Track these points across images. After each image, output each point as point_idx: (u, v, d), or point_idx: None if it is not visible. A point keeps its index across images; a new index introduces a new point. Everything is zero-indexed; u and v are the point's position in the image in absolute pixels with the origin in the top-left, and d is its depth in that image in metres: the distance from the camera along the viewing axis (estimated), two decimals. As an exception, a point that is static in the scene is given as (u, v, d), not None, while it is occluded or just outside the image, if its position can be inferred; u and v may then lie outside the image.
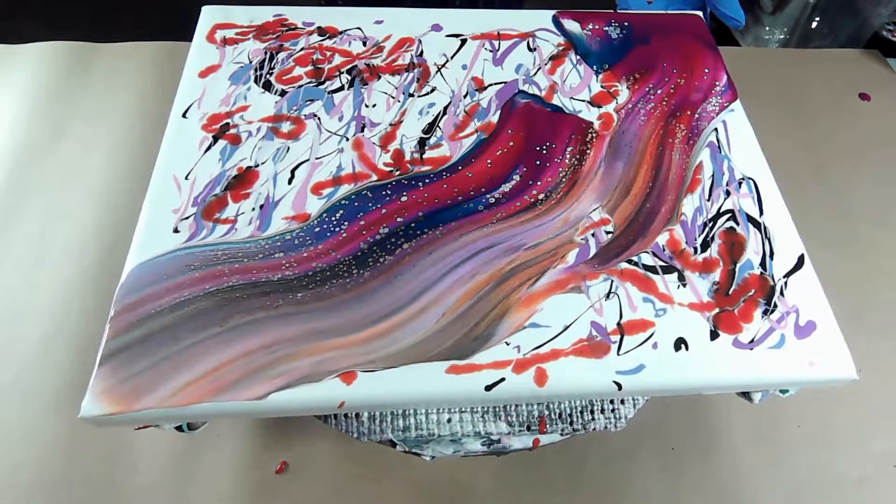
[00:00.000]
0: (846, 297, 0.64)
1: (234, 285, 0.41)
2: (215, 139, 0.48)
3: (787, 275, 0.44)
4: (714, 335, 0.41)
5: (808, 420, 0.57)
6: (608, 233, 0.45)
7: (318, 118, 0.50)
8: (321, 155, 0.48)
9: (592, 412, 0.44)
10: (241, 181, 0.46)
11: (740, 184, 0.48)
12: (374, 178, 0.47)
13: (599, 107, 0.53)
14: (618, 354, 0.40)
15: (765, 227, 0.46)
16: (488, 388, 0.38)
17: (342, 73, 0.54)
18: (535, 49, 0.57)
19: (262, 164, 0.47)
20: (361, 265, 0.42)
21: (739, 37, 0.97)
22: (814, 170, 0.76)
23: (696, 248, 0.44)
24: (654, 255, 0.44)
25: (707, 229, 0.46)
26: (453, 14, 0.59)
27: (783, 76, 0.86)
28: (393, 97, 0.52)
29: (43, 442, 0.53)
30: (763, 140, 0.51)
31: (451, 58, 0.56)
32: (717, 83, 0.55)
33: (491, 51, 0.56)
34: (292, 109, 0.51)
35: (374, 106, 0.51)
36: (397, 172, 0.47)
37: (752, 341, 0.41)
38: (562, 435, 0.44)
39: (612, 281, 0.42)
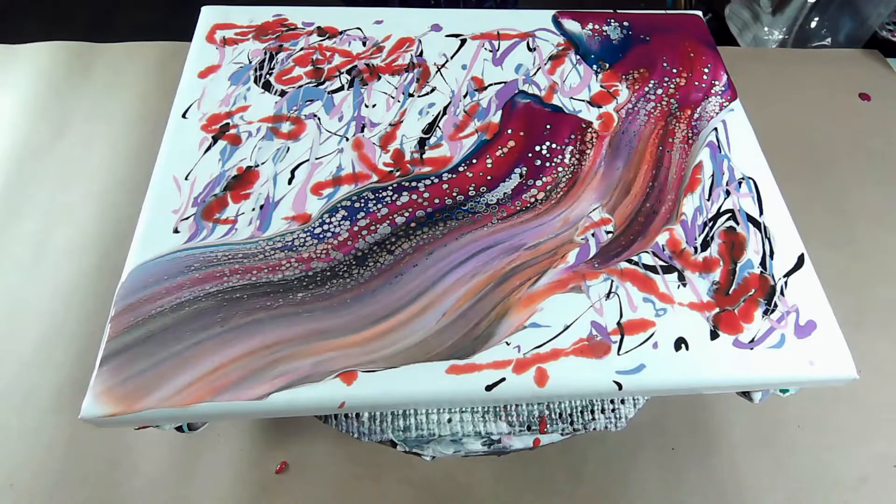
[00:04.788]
0: (846, 297, 0.64)
1: (235, 286, 0.41)
2: (215, 139, 0.48)
3: (787, 274, 0.44)
4: (714, 335, 0.41)
5: (808, 420, 0.57)
6: (608, 232, 0.45)
7: (318, 118, 0.50)
8: (321, 155, 0.48)
9: (593, 412, 0.44)
10: (241, 181, 0.46)
11: (740, 183, 0.48)
12: (375, 178, 0.47)
13: (599, 107, 0.53)
14: (618, 354, 0.40)
15: (765, 227, 0.46)
16: (489, 387, 0.38)
17: (342, 73, 0.54)
18: (534, 49, 0.57)
19: (262, 164, 0.47)
20: (361, 265, 0.42)
21: (739, 37, 0.97)
22: (814, 170, 0.76)
23: (696, 248, 0.44)
24: (654, 254, 0.44)
25: (707, 229, 0.46)
26: (453, 14, 0.59)
27: (783, 76, 0.86)
28: (393, 97, 0.52)
29: (43, 442, 0.53)
30: (763, 140, 0.51)
31: (451, 58, 0.56)
32: (716, 83, 0.55)
33: (491, 51, 0.56)
34: (292, 109, 0.51)
35: (374, 106, 0.51)
36: (397, 173, 0.47)
37: (752, 341, 0.41)
38: (562, 435, 0.44)
39: (613, 281, 0.42)
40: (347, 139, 0.49)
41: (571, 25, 0.59)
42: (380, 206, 0.45)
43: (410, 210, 0.45)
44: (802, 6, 0.92)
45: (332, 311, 0.40)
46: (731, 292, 0.43)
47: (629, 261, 0.43)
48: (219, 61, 0.54)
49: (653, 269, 0.43)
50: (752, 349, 0.40)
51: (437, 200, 0.46)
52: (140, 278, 0.41)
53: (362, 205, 0.45)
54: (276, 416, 0.39)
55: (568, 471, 0.54)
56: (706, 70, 0.56)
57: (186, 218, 0.44)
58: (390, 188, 0.46)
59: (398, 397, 0.38)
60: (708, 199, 0.47)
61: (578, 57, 0.56)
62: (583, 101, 0.53)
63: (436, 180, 0.47)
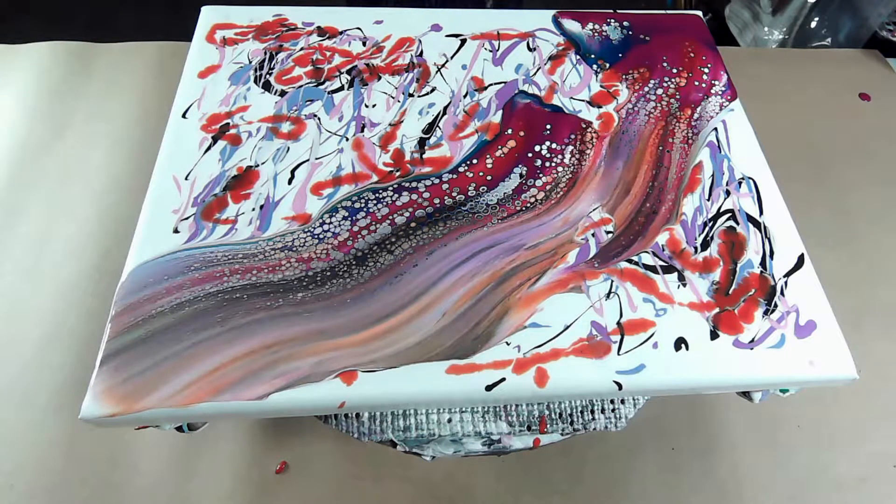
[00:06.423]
0: (846, 297, 0.64)
1: (235, 286, 0.41)
2: (215, 139, 0.48)
3: (788, 274, 0.44)
4: (714, 335, 0.41)
5: (808, 420, 0.57)
6: (608, 232, 0.45)
7: (318, 118, 0.50)
8: (321, 155, 0.48)
9: (592, 412, 0.44)
10: (241, 181, 0.46)
11: (740, 183, 0.48)
12: (374, 178, 0.47)
13: (599, 107, 0.53)
14: (618, 354, 0.40)
15: (765, 227, 0.46)
16: (489, 388, 0.38)
17: (342, 73, 0.54)
18: (534, 49, 0.57)
19: (262, 164, 0.47)
20: (361, 265, 0.42)
21: (739, 37, 0.97)
22: (814, 170, 0.76)
23: (696, 248, 0.44)
24: (654, 254, 0.44)
25: (707, 229, 0.46)
26: (453, 14, 0.59)
27: (783, 76, 0.86)
28: (393, 97, 0.52)
29: (43, 442, 0.53)
30: (763, 140, 0.51)
31: (451, 58, 0.56)
32: (716, 83, 0.55)
33: (491, 51, 0.56)
34: (292, 110, 0.51)
35: (374, 106, 0.51)
36: (397, 173, 0.47)
37: (752, 341, 0.41)
38: (562, 435, 0.44)
39: (613, 281, 0.42)
40: (347, 139, 0.49)
41: (571, 25, 0.59)
42: (380, 206, 0.45)
43: (410, 210, 0.45)
44: (802, 6, 0.92)
45: (332, 311, 0.40)
46: (731, 292, 0.43)
47: (629, 261, 0.44)
48: (219, 61, 0.54)
49: (653, 269, 0.43)
50: (752, 349, 0.40)
51: (437, 200, 0.46)
52: (140, 278, 0.41)
53: (362, 205, 0.45)
54: (276, 416, 0.39)
55: (568, 471, 0.54)
56: (706, 70, 0.56)
57: (186, 218, 0.44)
58: (390, 188, 0.46)
59: (398, 397, 0.38)
60: (708, 199, 0.47)
61: (578, 57, 0.56)
62: (583, 101, 0.53)
63: (436, 180, 0.47)
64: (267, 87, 0.52)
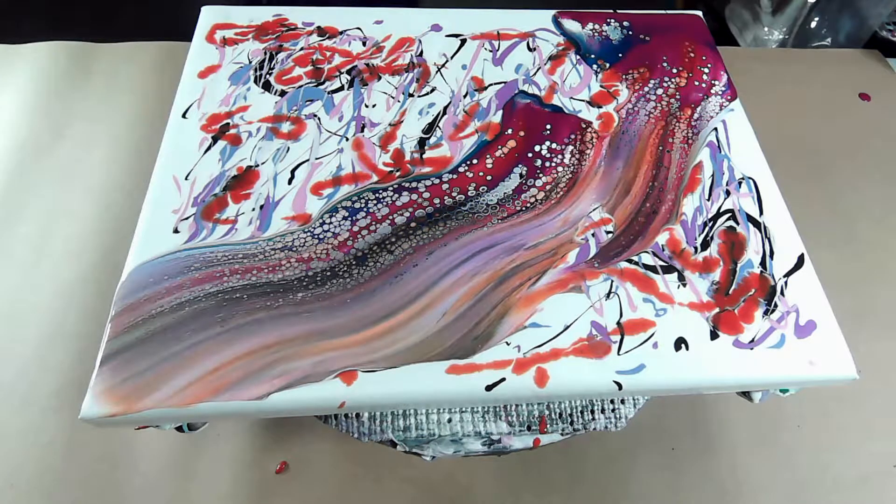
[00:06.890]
0: (846, 297, 0.64)
1: (235, 286, 0.41)
2: (215, 139, 0.48)
3: (788, 274, 0.44)
4: (714, 335, 0.41)
5: (808, 420, 0.57)
6: (608, 232, 0.45)
7: (318, 118, 0.50)
8: (321, 155, 0.48)
9: (592, 412, 0.44)
10: (241, 181, 0.46)
11: (740, 183, 0.48)
12: (374, 178, 0.47)
13: (599, 107, 0.53)
14: (618, 354, 0.40)
15: (765, 227, 0.46)
16: (489, 388, 0.38)
17: (342, 73, 0.54)
18: (534, 49, 0.57)
19: (262, 164, 0.47)
20: (361, 265, 0.42)
21: (739, 37, 0.97)
22: (814, 170, 0.76)
23: (696, 248, 0.44)
24: (654, 254, 0.44)
25: (707, 229, 0.46)
26: (453, 14, 0.59)
27: (783, 76, 0.86)
28: (393, 97, 0.52)
29: (43, 442, 0.53)
30: (763, 140, 0.51)
31: (451, 58, 0.56)
32: (716, 83, 0.55)
33: (491, 51, 0.56)
34: (292, 109, 0.51)
35: (373, 106, 0.51)
36: (397, 173, 0.47)
37: (752, 341, 0.41)
38: (562, 435, 0.44)
39: (613, 281, 0.42)
40: (347, 139, 0.49)
41: (571, 25, 0.59)
42: (380, 206, 0.45)
43: (410, 210, 0.45)
44: (802, 6, 0.92)
45: (332, 311, 0.40)
46: (731, 292, 0.43)
47: (629, 261, 0.43)
48: (219, 61, 0.54)
49: (653, 269, 0.43)
50: (752, 349, 0.40)
51: (437, 200, 0.46)
52: (140, 278, 0.41)
53: (362, 205, 0.45)
54: (276, 416, 0.39)
55: (568, 471, 0.54)
56: (706, 70, 0.56)
57: (186, 218, 0.44)
58: (390, 188, 0.46)
59: (398, 397, 0.38)
60: (708, 199, 0.47)
61: (578, 57, 0.56)
62: (583, 101, 0.53)
63: (436, 180, 0.47)
64: (267, 87, 0.52)
